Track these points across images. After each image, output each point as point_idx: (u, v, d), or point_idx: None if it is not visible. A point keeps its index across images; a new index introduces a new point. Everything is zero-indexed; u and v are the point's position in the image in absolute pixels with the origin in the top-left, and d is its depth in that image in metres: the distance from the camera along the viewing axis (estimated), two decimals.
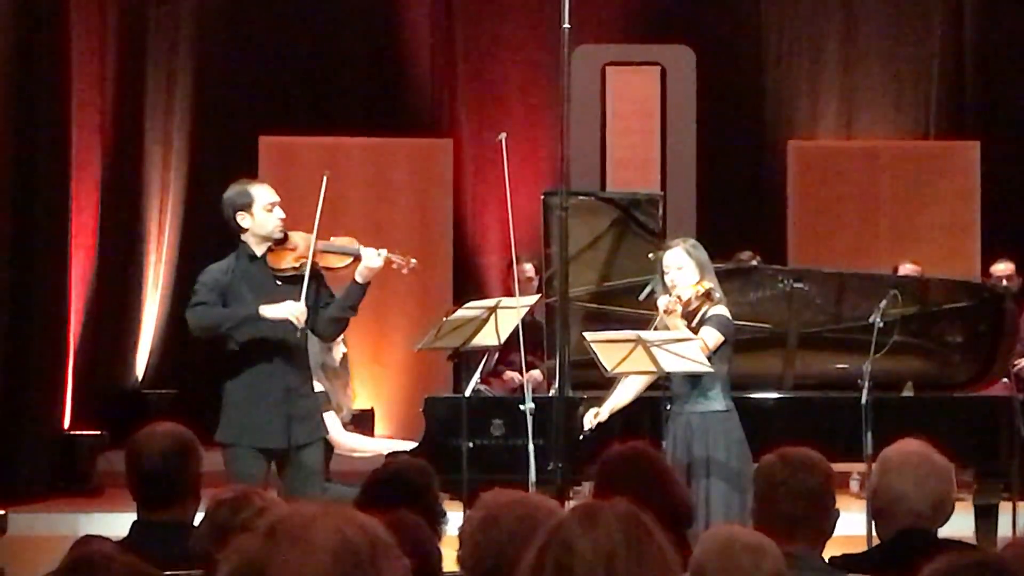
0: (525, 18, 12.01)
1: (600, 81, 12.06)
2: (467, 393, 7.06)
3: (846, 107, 12.34)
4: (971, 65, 12.24)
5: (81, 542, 3.67)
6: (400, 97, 12.12)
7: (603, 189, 11.37)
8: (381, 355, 11.28)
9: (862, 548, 4.55)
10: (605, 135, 12.10)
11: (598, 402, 6.80)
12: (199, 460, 4.08)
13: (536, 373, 8.44)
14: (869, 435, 6.76)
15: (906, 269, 9.99)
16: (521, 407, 6.81)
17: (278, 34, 11.99)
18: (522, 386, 7.42)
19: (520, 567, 2.28)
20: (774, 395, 7.55)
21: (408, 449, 7.20)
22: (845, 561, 3.95)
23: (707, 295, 6.58)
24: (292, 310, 6.26)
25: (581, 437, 6.66)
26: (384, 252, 6.44)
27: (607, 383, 6.73)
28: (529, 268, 9.40)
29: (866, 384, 6.86)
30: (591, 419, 6.69)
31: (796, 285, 7.76)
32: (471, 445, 6.89)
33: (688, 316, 6.56)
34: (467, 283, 11.57)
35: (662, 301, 6.55)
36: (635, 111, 12.16)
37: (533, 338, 7.73)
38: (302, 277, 6.32)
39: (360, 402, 8.68)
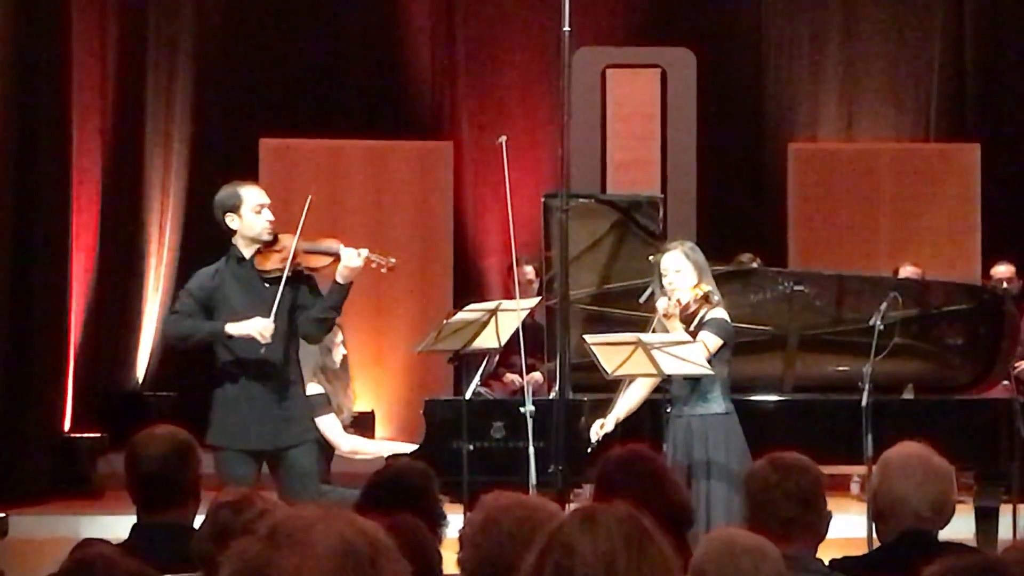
0: (525, 21, 12.00)
1: (600, 84, 12.06)
2: (467, 395, 7.05)
3: (846, 109, 12.33)
4: (972, 67, 12.23)
5: (82, 545, 3.67)
6: (401, 99, 12.12)
7: (603, 191, 11.37)
8: (381, 357, 11.27)
9: (863, 550, 4.56)
10: (605, 137, 12.09)
11: (599, 405, 6.79)
12: (198, 462, 4.08)
13: (536, 375, 8.44)
14: (869, 437, 6.76)
15: (907, 271, 9.98)
16: (521, 409, 6.80)
17: (278, 37, 11.99)
18: (522, 388, 7.42)
19: (520, 570, 2.28)
20: (774, 397, 7.54)
21: (408, 451, 7.19)
22: (845, 563, 3.95)
23: (705, 298, 6.58)
24: (257, 327, 6.23)
25: (588, 450, 6.63)
26: (364, 252, 6.40)
27: (608, 386, 6.73)
28: (529, 270, 9.40)
29: (866, 386, 6.86)
30: (597, 430, 6.68)
31: (796, 287, 7.75)
32: (471, 447, 6.88)
33: (687, 319, 6.57)
34: (467, 286, 11.57)
35: (661, 304, 6.55)
36: (635, 114, 12.16)
37: (533, 340, 7.71)
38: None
39: (360, 404, 8.65)
